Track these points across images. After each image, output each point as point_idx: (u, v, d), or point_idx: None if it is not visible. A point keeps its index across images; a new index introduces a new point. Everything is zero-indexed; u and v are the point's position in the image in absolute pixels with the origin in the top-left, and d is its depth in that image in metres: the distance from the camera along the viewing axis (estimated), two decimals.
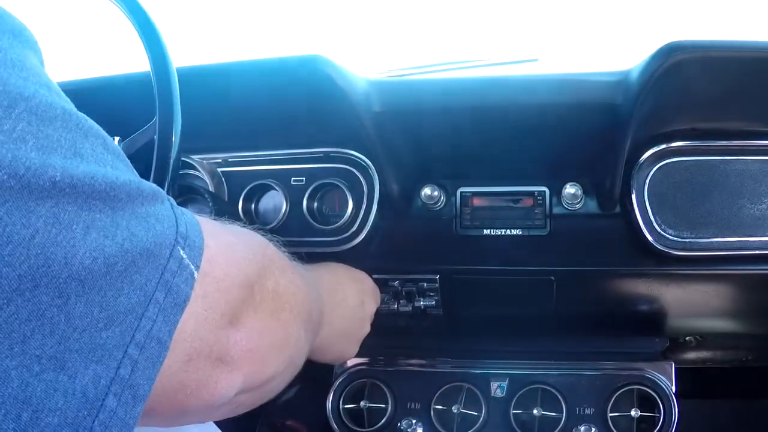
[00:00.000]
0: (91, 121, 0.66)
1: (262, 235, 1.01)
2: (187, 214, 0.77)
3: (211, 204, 1.52)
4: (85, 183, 0.61)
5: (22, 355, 0.57)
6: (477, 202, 1.60)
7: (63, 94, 0.65)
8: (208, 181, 1.64)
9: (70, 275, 0.59)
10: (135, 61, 1.37)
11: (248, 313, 0.87)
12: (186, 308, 0.71)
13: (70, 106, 0.64)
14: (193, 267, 0.72)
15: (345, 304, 1.42)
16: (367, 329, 1.53)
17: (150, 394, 0.67)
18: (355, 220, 1.61)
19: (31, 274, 0.56)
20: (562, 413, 1.65)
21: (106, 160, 0.65)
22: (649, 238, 1.47)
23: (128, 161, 0.71)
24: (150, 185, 0.71)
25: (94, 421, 0.61)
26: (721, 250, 1.47)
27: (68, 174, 0.59)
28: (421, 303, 1.67)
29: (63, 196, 0.59)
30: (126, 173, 0.67)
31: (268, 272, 0.94)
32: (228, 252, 0.83)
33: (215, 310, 0.78)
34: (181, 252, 0.71)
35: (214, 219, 0.88)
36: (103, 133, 0.67)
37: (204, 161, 1.67)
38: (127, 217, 0.65)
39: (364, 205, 1.61)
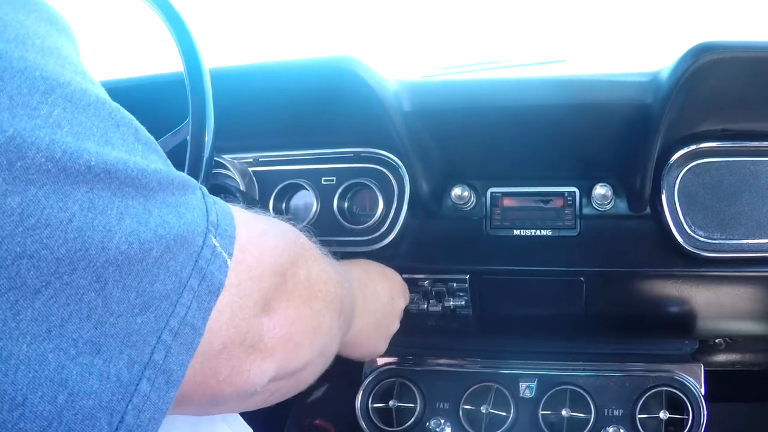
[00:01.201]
0: (123, 111, 0.66)
1: (294, 226, 1.02)
2: (219, 203, 0.77)
3: (242, 203, 1.53)
4: (118, 169, 0.62)
5: (60, 338, 0.58)
6: (507, 202, 1.60)
7: (97, 83, 0.66)
8: (239, 180, 1.65)
9: (107, 260, 0.60)
10: (168, 62, 1.38)
11: (281, 300, 0.87)
12: (221, 297, 0.72)
13: (104, 94, 0.65)
14: (226, 255, 0.73)
15: (375, 298, 1.43)
16: (396, 325, 1.53)
17: (183, 380, 0.68)
18: (386, 220, 1.62)
19: (69, 257, 0.57)
20: (591, 414, 1.65)
21: (137, 149, 0.66)
22: (679, 239, 1.47)
23: (161, 151, 0.72)
24: (180, 175, 0.71)
25: (127, 405, 0.63)
26: (752, 251, 1.47)
27: (102, 159, 0.60)
28: (451, 303, 1.67)
29: (97, 182, 0.60)
30: (156, 162, 0.68)
31: (300, 260, 0.95)
32: (260, 240, 0.84)
33: (249, 297, 0.78)
34: (214, 240, 0.72)
35: (247, 208, 0.88)
36: (136, 123, 0.68)
37: (235, 161, 1.68)
38: (159, 205, 0.66)
39: (394, 205, 1.62)
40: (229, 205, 0.80)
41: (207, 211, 0.73)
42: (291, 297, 0.90)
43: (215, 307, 0.71)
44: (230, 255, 0.74)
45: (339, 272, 1.10)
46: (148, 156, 0.68)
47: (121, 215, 0.61)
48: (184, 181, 0.71)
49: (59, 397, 0.58)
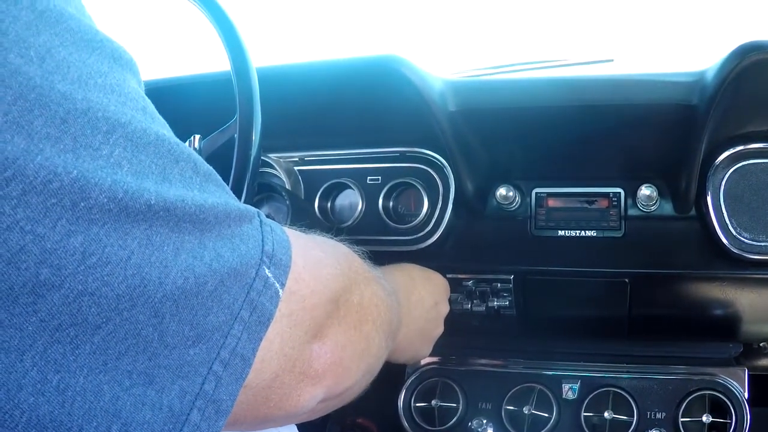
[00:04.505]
0: (182, 146, 0.67)
1: (348, 246, 1.02)
2: (277, 231, 0.78)
3: (287, 202, 1.54)
4: (177, 206, 0.63)
5: (115, 370, 0.59)
6: (552, 202, 1.60)
7: (158, 117, 0.67)
8: (284, 179, 1.67)
9: (164, 295, 0.61)
10: (216, 61, 1.39)
11: (332, 327, 0.88)
12: (271, 326, 0.72)
13: (164, 129, 0.66)
14: (278, 285, 0.73)
15: (420, 305, 1.43)
16: (440, 330, 1.54)
17: (234, 407, 0.69)
18: (430, 220, 1.63)
19: (128, 293, 0.58)
20: (633, 417, 1.64)
21: (195, 183, 0.67)
22: (725, 241, 1.46)
23: (219, 180, 0.72)
24: (237, 206, 0.72)
25: None
26: None
27: (162, 198, 0.61)
28: (495, 303, 1.67)
29: (156, 219, 0.61)
30: (215, 195, 0.69)
31: (353, 286, 0.96)
32: (315, 269, 0.84)
33: (300, 326, 0.79)
34: (267, 271, 0.72)
35: (303, 231, 0.89)
36: (195, 156, 0.69)
37: (281, 159, 1.69)
38: (214, 238, 0.67)
39: (439, 205, 1.62)
40: (287, 230, 0.81)
41: (263, 241, 0.73)
42: (342, 322, 0.91)
43: (265, 337, 0.72)
44: (283, 285, 0.74)
45: (389, 294, 1.10)
46: (207, 188, 0.69)
47: (177, 250, 0.62)
48: (241, 212, 0.72)
49: (113, 427, 0.59)
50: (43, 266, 0.53)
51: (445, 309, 1.56)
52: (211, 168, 0.71)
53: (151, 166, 0.62)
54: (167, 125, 0.68)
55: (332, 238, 1.00)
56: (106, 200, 0.56)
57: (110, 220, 0.57)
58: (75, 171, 0.55)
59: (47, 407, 0.55)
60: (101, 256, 0.56)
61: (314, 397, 0.85)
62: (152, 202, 0.60)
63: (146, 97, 0.67)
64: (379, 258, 1.16)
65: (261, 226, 0.75)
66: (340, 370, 0.89)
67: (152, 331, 0.61)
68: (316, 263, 0.85)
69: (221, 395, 0.67)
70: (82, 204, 0.55)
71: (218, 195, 0.70)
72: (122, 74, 0.65)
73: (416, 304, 1.42)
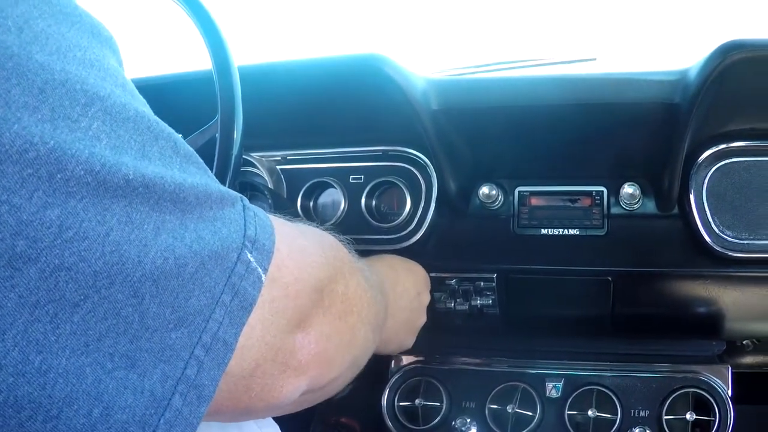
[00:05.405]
0: (162, 125, 0.67)
1: (333, 236, 1.02)
2: (260, 216, 0.77)
3: (270, 201, 1.54)
4: (156, 184, 0.62)
5: (97, 352, 0.58)
6: (535, 201, 1.60)
7: (138, 95, 0.67)
8: (267, 178, 1.66)
9: (143, 274, 0.60)
10: (197, 60, 1.39)
11: (317, 317, 0.87)
12: (253, 313, 0.72)
13: (144, 108, 0.66)
14: (260, 270, 0.73)
15: (405, 295, 1.44)
16: (423, 319, 1.55)
17: (216, 395, 0.68)
18: (413, 219, 1.62)
19: (106, 270, 0.58)
20: (617, 415, 1.64)
21: (174, 162, 0.66)
22: (707, 239, 1.47)
23: (201, 163, 0.72)
24: (219, 188, 0.72)
25: (160, 420, 0.63)
26: None
27: (140, 173, 0.61)
28: (478, 302, 1.67)
29: (136, 196, 0.60)
30: (195, 176, 0.68)
31: (339, 276, 0.95)
32: (300, 257, 0.83)
33: (282, 314, 0.78)
34: (249, 255, 0.72)
35: (288, 219, 0.88)
36: (175, 136, 0.68)
37: (263, 159, 1.68)
38: (195, 220, 0.66)
39: (422, 204, 1.62)
40: (271, 217, 0.80)
41: (245, 226, 0.73)
42: (327, 312, 0.90)
43: (247, 323, 0.71)
44: (265, 271, 0.74)
45: (374, 285, 1.11)
46: (187, 169, 0.68)
47: (157, 230, 0.62)
48: (222, 195, 0.72)
49: (94, 410, 0.58)
50: (19, 238, 0.53)
51: (426, 299, 1.57)
52: (192, 149, 0.71)
53: (130, 142, 0.62)
54: (147, 104, 0.68)
55: (318, 227, 0.99)
56: (83, 173, 0.56)
57: (88, 194, 0.56)
58: (52, 141, 0.55)
59: (27, 388, 0.55)
60: (78, 230, 0.56)
61: (297, 389, 0.84)
62: (130, 177, 0.60)
63: (126, 76, 0.67)
64: (362, 257, 1.16)
65: (244, 211, 0.75)
66: (325, 362, 0.88)
67: (132, 312, 0.60)
68: (300, 251, 0.85)
69: (203, 380, 0.66)
70: (59, 176, 0.55)
71: (199, 176, 0.69)
72: (101, 50, 0.65)
73: (401, 294, 1.43)
